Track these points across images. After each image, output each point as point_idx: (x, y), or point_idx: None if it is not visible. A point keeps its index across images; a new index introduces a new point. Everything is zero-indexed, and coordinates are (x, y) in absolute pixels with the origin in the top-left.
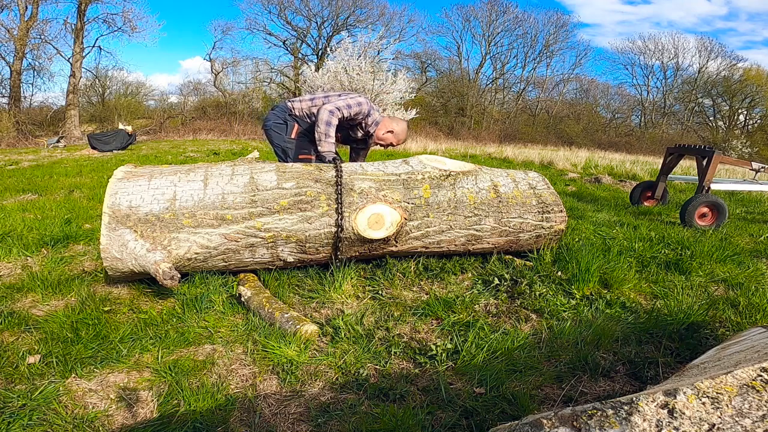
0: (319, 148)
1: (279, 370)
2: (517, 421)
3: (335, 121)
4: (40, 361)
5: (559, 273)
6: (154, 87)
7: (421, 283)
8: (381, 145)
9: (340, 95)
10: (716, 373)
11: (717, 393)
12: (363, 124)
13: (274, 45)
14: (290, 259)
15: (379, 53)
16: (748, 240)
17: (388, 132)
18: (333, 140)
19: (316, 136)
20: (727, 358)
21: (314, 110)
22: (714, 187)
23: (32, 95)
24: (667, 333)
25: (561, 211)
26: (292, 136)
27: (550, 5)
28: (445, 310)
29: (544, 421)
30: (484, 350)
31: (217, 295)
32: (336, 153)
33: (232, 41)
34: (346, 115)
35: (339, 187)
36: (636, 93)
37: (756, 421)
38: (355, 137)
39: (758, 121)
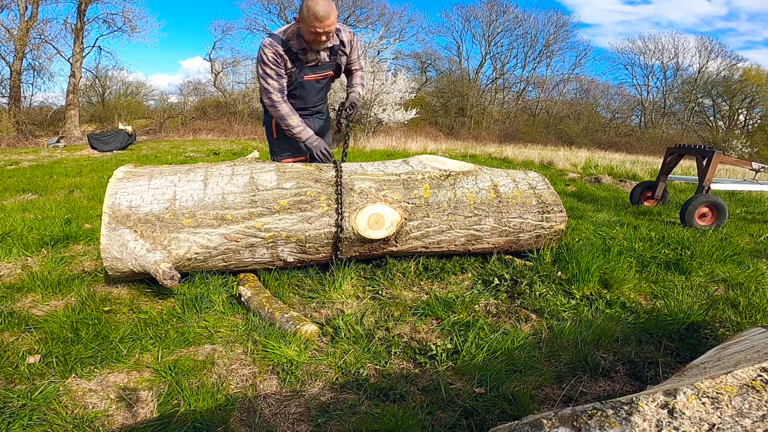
0: (293, 137)
1: (279, 370)
2: (517, 421)
3: (282, 107)
4: (40, 361)
5: (559, 273)
6: (154, 87)
7: (421, 283)
8: (315, 41)
9: (256, 65)
10: (716, 373)
11: (717, 393)
12: (299, 53)
13: None
14: (290, 259)
15: (379, 53)
16: (748, 240)
17: (298, 24)
18: (294, 122)
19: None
20: (727, 358)
21: None
22: (714, 187)
23: (32, 95)
24: (667, 333)
25: (561, 211)
26: (275, 137)
27: (550, 5)
28: (445, 310)
29: (544, 421)
30: (484, 350)
31: (217, 295)
32: (305, 126)
33: (232, 41)
34: (274, 84)
35: (339, 187)
36: (636, 93)
37: (756, 421)
38: (326, 61)
39: (758, 121)
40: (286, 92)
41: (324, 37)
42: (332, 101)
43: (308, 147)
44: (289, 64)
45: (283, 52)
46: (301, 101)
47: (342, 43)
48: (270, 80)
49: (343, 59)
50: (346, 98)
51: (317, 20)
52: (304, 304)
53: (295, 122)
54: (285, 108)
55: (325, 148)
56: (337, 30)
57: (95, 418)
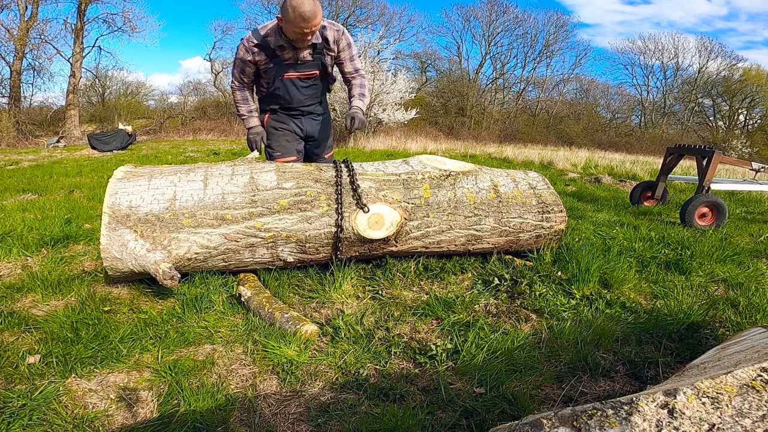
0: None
1: (279, 370)
2: (517, 421)
3: (236, 94)
4: (40, 361)
5: (559, 273)
6: (154, 87)
7: (421, 283)
8: (300, 40)
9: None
10: (716, 373)
11: (717, 393)
12: (276, 50)
13: None
14: (290, 259)
15: (379, 53)
16: (748, 240)
17: (280, 23)
18: (243, 110)
19: None
20: (727, 358)
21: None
22: (714, 187)
23: (32, 95)
24: (667, 333)
25: (561, 211)
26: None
27: (550, 5)
28: (445, 310)
29: (544, 421)
30: (484, 350)
31: (217, 295)
32: (250, 116)
33: (232, 41)
34: (237, 75)
35: (339, 187)
36: (636, 93)
37: (756, 421)
38: (313, 60)
39: (758, 121)
40: (246, 84)
41: (310, 36)
42: (332, 101)
43: (247, 135)
44: (263, 59)
45: (255, 47)
46: (286, 100)
47: (326, 40)
48: (235, 71)
49: (329, 59)
50: (347, 115)
51: (303, 21)
52: (304, 304)
53: (243, 110)
54: (238, 95)
55: (256, 144)
56: (322, 27)
57: (95, 418)
